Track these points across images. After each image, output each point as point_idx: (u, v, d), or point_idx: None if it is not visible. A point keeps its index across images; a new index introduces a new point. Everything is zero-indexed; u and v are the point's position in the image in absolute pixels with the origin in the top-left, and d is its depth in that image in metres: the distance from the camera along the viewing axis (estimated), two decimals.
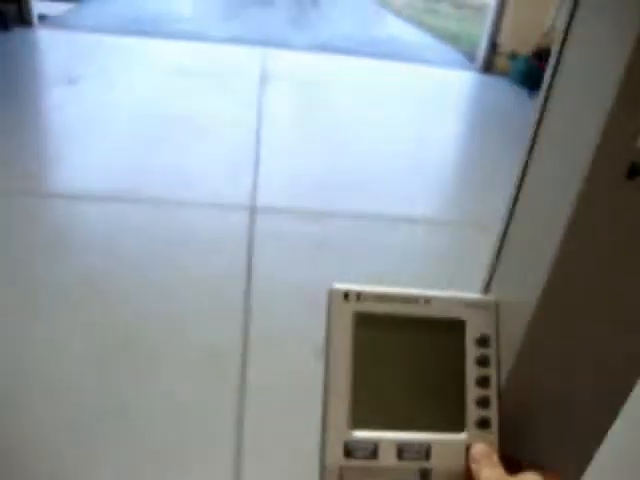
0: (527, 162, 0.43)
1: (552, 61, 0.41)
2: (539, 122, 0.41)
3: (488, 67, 4.98)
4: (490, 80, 4.85)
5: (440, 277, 2.08)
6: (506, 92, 4.57)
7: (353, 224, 2.57)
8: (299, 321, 1.95)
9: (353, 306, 0.43)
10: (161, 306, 1.98)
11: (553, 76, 0.41)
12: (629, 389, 0.46)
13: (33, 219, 2.37)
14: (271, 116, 3.51)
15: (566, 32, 0.39)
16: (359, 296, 0.44)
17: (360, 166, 3.07)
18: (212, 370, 1.77)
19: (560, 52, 0.40)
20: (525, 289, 0.42)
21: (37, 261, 2.11)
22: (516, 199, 0.44)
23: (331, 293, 0.44)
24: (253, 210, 2.55)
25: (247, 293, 2.06)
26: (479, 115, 4.28)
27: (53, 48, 4.43)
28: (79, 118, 3.25)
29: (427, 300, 0.44)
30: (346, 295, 0.44)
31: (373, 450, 0.42)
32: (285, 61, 4.53)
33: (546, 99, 0.41)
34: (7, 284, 2.00)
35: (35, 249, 2.17)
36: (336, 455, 0.42)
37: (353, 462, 0.42)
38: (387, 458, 0.42)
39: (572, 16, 0.38)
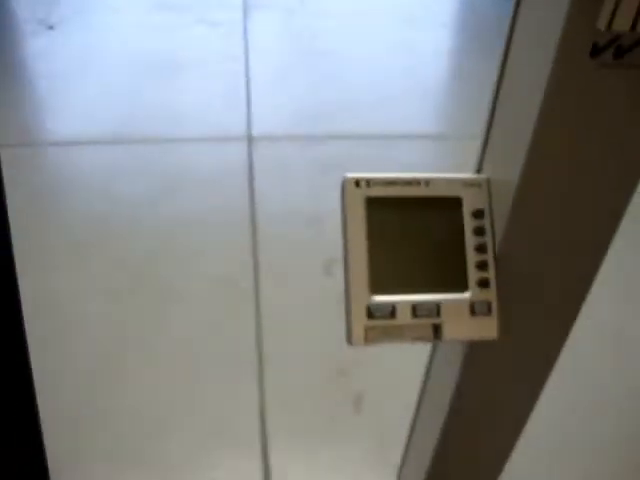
0: (507, 50, 0.49)
1: None
2: (515, 14, 0.47)
3: None
4: None
5: None
6: (495, 3, 4.47)
7: (353, 145, 2.61)
8: (307, 241, 2.03)
9: (364, 191, 0.51)
10: (168, 243, 2.04)
11: None
12: (599, 261, 0.54)
13: (27, 170, 2.40)
14: (258, 45, 3.47)
15: None
16: (369, 182, 0.51)
17: (353, 88, 3.07)
18: (226, 298, 1.86)
19: None
20: (510, 167, 0.49)
21: (39, 210, 2.15)
22: (499, 84, 0.50)
23: (344, 181, 0.51)
24: (250, 140, 2.58)
25: (253, 221, 2.13)
26: (471, 26, 4.21)
27: None
28: (63, 64, 3.22)
29: (427, 182, 0.52)
30: (357, 182, 0.51)
31: (391, 311, 0.50)
32: None
33: None
34: (15, 236, 2.06)
35: (35, 198, 2.21)
36: (360, 317, 0.50)
37: (375, 322, 0.50)
38: (404, 317, 0.51)
39: None
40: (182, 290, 1.86)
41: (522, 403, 0.68)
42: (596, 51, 0.41)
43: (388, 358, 1.49)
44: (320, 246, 1.91)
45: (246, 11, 3.96)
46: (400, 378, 1.29)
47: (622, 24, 0.40)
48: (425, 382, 0.74)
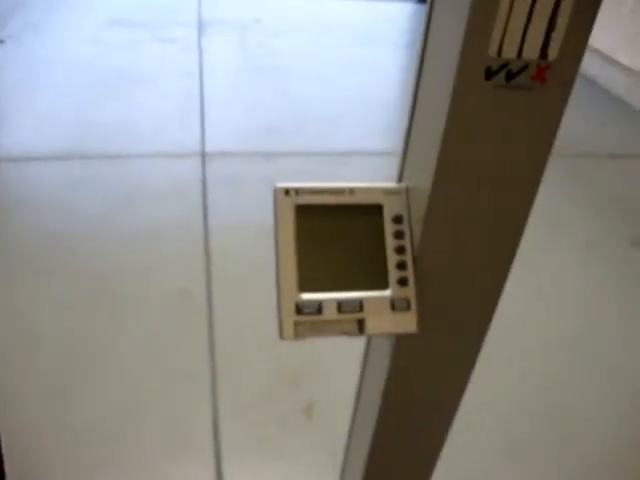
0: (419, 72, 0.55)
1: None
2: (424, 40, 0.53)
3: None
4: None
5: None
6: None
7: (303, 162, 2.67)
8: (258, 256, 2.06)
9: (294, 199, 0.56)
10: (124, 257, 2.05)
11: (432, 3, 0.52)
12: (509, 262, 0.60)
13: None
14: (212, 62, 3.52)
15: None
16: (297, 191, 0.56)
17: (305, 106, 3.13)
18: (180, 312, 1.87)
19: None
20: (423, 176, 0.54)
21: None
22: (414, 102, 0.57)
23: (276, 191, 0.56)
24: (203, 156, 2.62)
25: (206, 236, 2.16)
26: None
27: None
28: (15, 79, 3.20)
29: (351, 190, 0.57)
30: (287, 191, 0.56)
31: (318, 307, 0.55)
32: (222, 4, 4.48)
33: (428, 22, 0.53)
34: None
35: None
36: (289, 313, 0.55)
37: (303, 317, 0.55)
38: (330, 313, 0.55)
39: None
40: (137, 305, 1.87)
41: (449, 397, 0.74)
42: (490, 75, 0.48)
43: (337, 368, 1.53)
44: (271, 259, 1.95)
45: (201, 28, 4.01)
46: (350, 386, 1.33)
47: (509, 52, 0.47)
48: (359, 383, 0.79)
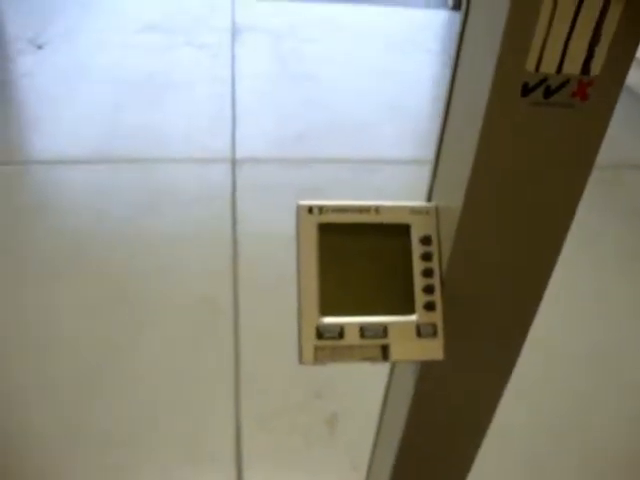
0: (451, 86, 0.52)
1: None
2: (457, 55, 0.50)
3: (459, 4, 4.96)
4: None
5: None
6: None
7: (335, 169, 2.65)
8: (286, 265, 2.04)
9: (317, 218, 0.54)
10: (150, 262, 2.05)
11: (466, 14, 0.50)
12: (543, 287, 0.57)
13: (13, 187, 2.42)
14: (245, 68, 3.53)
15: None
16: (321, 209, 0.54)
17: (337, 113, 3.11)
18: (206, 317, 1.87)
19: None
20: (454, 196, 0.52)
21: (23, 228, 2.17)
22: (445, 119, 0.54)
23: (298, 208, 0.54)
24: (234, 162, 2.61)
25: (234, 242, 2.15)
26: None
27: (15, 10, 4.36)
28: (50, 83, 3.25)
29: (377, 209, 0.55)
30: (310, 209, 0.54)
31: (340, 332, 0.53)
32: (255, 11, 4.49)
33: (462, 34, 0.50)
34: None
35: (19, 216, 2.22)
36: (310, 337, 0.52)
37: (324, 342, 0.52)
38: (352, 337, 0.53)
39: None
40: (162, 308, 1.87)
41: (475, 424, 0.71)
42: (526, 91, 0.45)
43: (362, 380, 1.50)
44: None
45: (235, 34, 4.02)
46: (373, 399, 1.31)
47: (549, 67, 0.44)
48: (384, 403, 0.76)
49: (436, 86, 3.73)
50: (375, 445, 0.83)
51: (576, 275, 2.08)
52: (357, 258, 0.55)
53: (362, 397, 1.59)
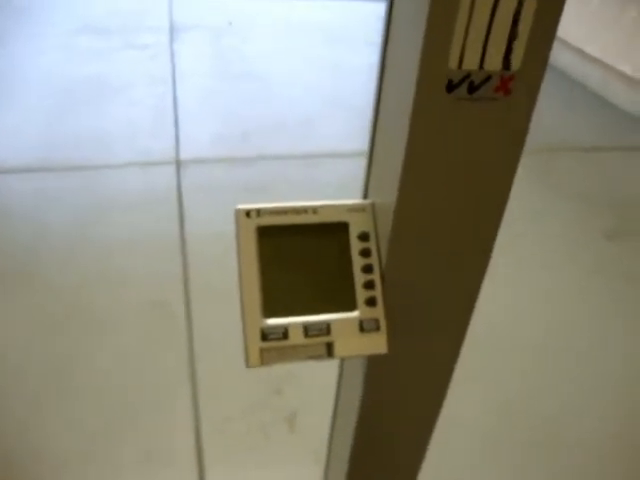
0: (380, 84, 0.53)
1: None
2: (383, 54, 0.51)
3: None
4: None
5: None
6: None
7: (280, 166, 2.64)
8: (237, 265, 2.03)
9: (255, 221, 0.54)
10: (99, 271, 2.01)
11: (389, 15, 0.50)
12: (480, 277, 0.58)
13: None
14: (185, 67, 3.48)
15: None
16: (259, 212, 0.54)
17: (280, 109, 3.11)
18: (159, 324, 1.84)
19: None
20: (388, 192, 0.52)
21: None
22: (376, 115, 0.54)
23: (236, 213, 0.53)
24: (178, 164, 2.58)
25: (183, 246, 2.12)
26: None
27: None
28: None
29: (314, 209, 0.55)
30: (248, 213, 0.54)
31: (284, 332, 0.53)
32: (193, 8, 4.43)
33: (386, 35, 0.51)
34: None
35: None
36: (255, 340, 0.52)
37: (269, 344, 0.53)
38: (296, 337, 0.53)
39: None
40: (113, 319, 1.84)
41: (425, 413, 0.72)
42: (451, 87, 0.46)
43: (320, 375, 1.51)
44: None
45: (173, 33, 3.96)
46: (332, 396, 1.32)
47: (471, 63, 0.45)
48: (335, 399, 0.77)
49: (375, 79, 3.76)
50: (330, 440, 0.83)
51: (520, 257, 2.14)
52: (297, 258, 0.55)
53: (321, 392, 1.59)
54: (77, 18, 4.08)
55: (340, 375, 0.74)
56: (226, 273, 1.99)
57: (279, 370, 1.74)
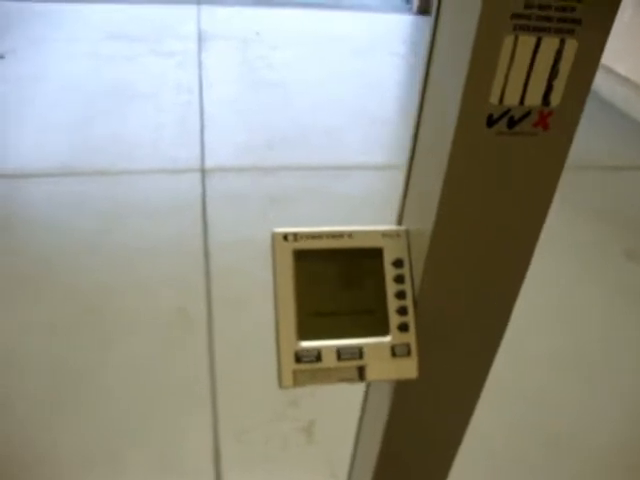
0: (419, 116, 0.54)
1: (431, 25, 0.52)
2: (424, 86, 0.52)
3: (424, 9, 5.02)
4: (427, 20, 4.89)
5: (392, 217, 2.19)
6: None
7: (303, 177, 2.66)
8: (259, 274, 2.05)
9: (292, 245, 0.55)
10: (121, 276, 2.03)
11: (432, 43, 0.51)
12: (510, 306, 0.59)
13: None
14: (212, 76, 3.52)
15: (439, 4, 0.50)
16: (296, 237, 0.55)
17: (305, 120, 3.13)
18: (179, 330, 1.86)
19: (436, 18, 0.51)
20: (424, 220, 0.53)
21: None
22: (414, 145, 0.56)
23: (273, 236, 0.55)
24: (203, 172, 2.61)
25: (206, 254, 2.14)
26: (418, 56, 4.34)
27: None
28: (13, 94, 3.19)
29: (350, 234, 0.56)
30: (285, 237, 0.55)
31: (317, 355, 0.54)
32: (221, 18, 4.48)
33: (427, 69, 0.52)
34: None
35: None
36: (289, 362, 0.54)
37: (302, 366, 0.54)
38: (329, 360, 0.54)
39: None
40: (134, 326, 1.86)
41: (451, 432, 0.73)
42: (491, 122, 0.47)
43: (337, 387, 1.52)
44: (271, 276, 1.93)
45: (201, 42, 4.01)
46: (350, 406, 1.32)
47: (511, 99, 0.46)
48: (361, 416, 0.78)
49: (402, 90, 3.78)
50: (354, 457, 0.84)
51: (541, 277, 2.13)
52: (332, 282, 0.56)
53: (338, 404, 1.60)
54: (105, 25, 4.15)
55: (365, 398, 0.75)
56: (248, 281, 2.03)
57: None
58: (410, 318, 0.56)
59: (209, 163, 2.66)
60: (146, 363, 1.74)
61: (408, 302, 0.56)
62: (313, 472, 1.52)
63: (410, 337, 0.56)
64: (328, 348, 0.54)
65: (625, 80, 3.41)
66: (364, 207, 2.41)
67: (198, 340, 1.82)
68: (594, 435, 1.65)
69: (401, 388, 0.62)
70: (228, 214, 2.36)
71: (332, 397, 1.65)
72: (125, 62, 3.60)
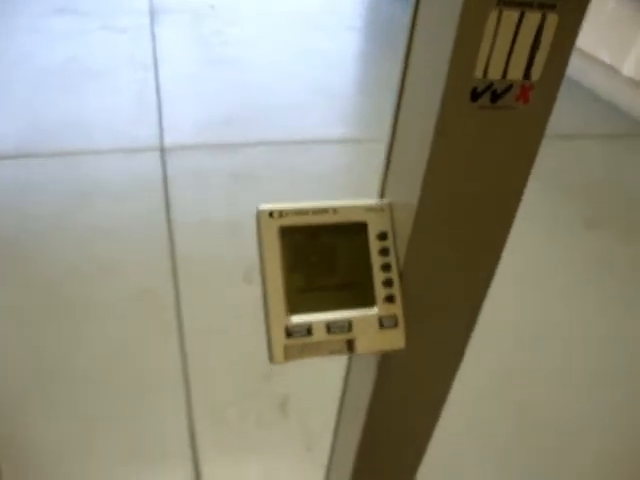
0: (401, 88, 0.55)
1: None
2: (407, 57, 0.53)
3: None
4: None
5: (357, 189, 2.20)
6: (400, 5, 4.62)
7: (265, 152, 2.64)
8: (225, 252, 2.04)
9: (277, 221, 0.55)
10: (82, 260, 1.99)
11: (414, 17, 0.52)
12: (490, 276, 0.61)
13: None
14: (167, 52, 3.44)
15: None
16: (281, 213, 0.55)
17: (263, 96, 3.10)
18: (148, 312, 1.84)
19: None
20: (408, 193, 0.54)
21: None
22: (396, 119, 0.56)
23: (259, 213, 0.55)
24: (163, 150, 2.56)
25: (170, 233, 2.12)
26: (376, 29, 4.32)
27: None
28: None
29: (334, 209, 0.57)
30: (271, 213, 0.55)
31: (308, 329, 0.55)
32: None
33: (409, 42, 0.52)
34: None
35: None
36: (279, 337, 0.54)
37: (293, 340, 0.55)
38: (319, 334, 0.55)
39: None
40: (99, 309, 1.83)
41: (434, 400, 0.75)
42: (475, 96, 0.48)
43: (310, 362, 1.54)
44: (238, 254, 1.93)
45: (153, 16, 3.90)
46: (323, 380, 1.34)
47: (495, 73, 0.47)
48: (344, 388, 0.79)
49: (360, 64, 3.77)
50: (336, 431, 0.86)
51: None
52: (319, 257, 0.57)
53: (311, 378, 1.62)
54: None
55: (348, 372, 0.76)
56: (213, 260, 2.02)
57: (266, 356, 1.75)
58: (395, 290, 0.57)
59: (168, 141, 2.62)
60: (115, 346, 1.73)
61: (393, 274, 0.57)
62: (289, 447, 1.54)
63: (396, 308, 0.57)
64: (318, 322, 0.55)
65: (578, 50, 3.47)
66: (328, 181, 2.41)
67: (167, 320, 1.81)
68: (562, 405, 1.72)
69: (385, 360, 0.63)
70: (190, 192, 2.33)
71: (305, 372, 1.67)
72: (74, 38, 3.48)
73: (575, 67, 3.51)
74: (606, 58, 3.26)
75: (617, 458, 1.59)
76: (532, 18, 0.45)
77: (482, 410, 1.66)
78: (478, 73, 0.46)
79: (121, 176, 2.40)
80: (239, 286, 1.90)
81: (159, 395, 1.62)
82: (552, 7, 0.44)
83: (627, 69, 3.17)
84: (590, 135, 3.06)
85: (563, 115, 3.19)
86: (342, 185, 2.36)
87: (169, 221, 2.17)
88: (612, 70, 3.26)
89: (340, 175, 2.49)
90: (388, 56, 3.67)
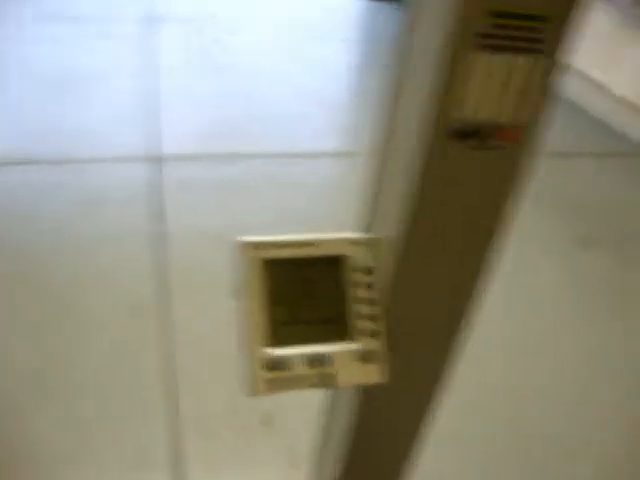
0: (389, 130, 0.55)
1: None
2: (396, 93, 0.53)
3: None
4: (380, 6, 4.87)
5: (349, 207, 2.19)
6: (397, 18, 4.62)
7: (259, 163, 2.64)
8: (218, 266, 2.02)
9: (259, 254, 0.55)
10: (81, 268, 1.99)
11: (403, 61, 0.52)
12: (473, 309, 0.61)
13: None
14: (165, 61, 3.43)
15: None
16: (263, 245, 0.55)
17: (261, 106, 3.10)
18: (138, 324, 1.84)
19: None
20: (394, 229, 0.54)
21: None
22: (382, 162, 0.56)
23: (240, 245, 0.55)
24: (160, 160, 2.55)
25: (163, 243, 2.11)
26: (372, 43, 4.33)
27: None
28: None
29: (317, 243, 0.57)
30: (251, 246, 0.55)
31: (288, 363, 0.55)
32: None
33: (398, 85, 0.53)
34: None
35: None
36: (259, 371, 0.54)
37: (273, 374, 0.54)
38: (300, 368, 0.55)
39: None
40: (93, 316, 1.82)
41: (415, 426, 0.74)
42: (464, 136, 0.48)
43: None
44: (228, 267, 1.91)
45: (153, 24, 3.88)
46: (309, 395, 1.33)
47: (484, 115, 0.48)
48: (326, 413, 0.79)
49: (354, 76, 3.76)
50: (320, 449, 0.85)
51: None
52: (300, 290, 0.56)
53: (297, 393, 1.61)
54: (49, 4, 3.95)
55: (331, 401, 0.76)
56: (206, 271, 2.00)
57: None
58: (378, 324, 0.57)
59: (166, 151, 2.61)
60: (106, 356, 1.72)
61: (376, 309, 0.57)
62: (273, 462, 1.54)
63: (378, 343, 0.57)
64: (299, 356, 0.55)
65: (573, 69, 3.49)
66: (322, 194, 2.41)
67: (158, 331, 1.80)
68: (552, 420, 1.71)
69: (366, 390, 0.63)
70: (186, 202, 2.33)
71: None
72: (72, 45, 3.46)
73: (568, 86, 3.53)
74: (598, 77, 3.28)
75: (609, 472, 1.59)
76: (522, 65, 0.45)
77: (472, 425, 1.65)
78: (468, 114, 0.47)
79: (117, 185, 2.40)
80: (232, 299, 1.88)
81: (147, 405, 1.62)
82: (539, 51, 0.45)
83: (619, 88, 3.19)
84: (583, 153, 3.08)
85: (556, 133, 3.21)
86: (335, 199, 2.36)
87: (164, 231, 2.17)
88: (604, 89, 3.28)
89: (333, 188, 2.49)
90: (384, 69, 3.66)
